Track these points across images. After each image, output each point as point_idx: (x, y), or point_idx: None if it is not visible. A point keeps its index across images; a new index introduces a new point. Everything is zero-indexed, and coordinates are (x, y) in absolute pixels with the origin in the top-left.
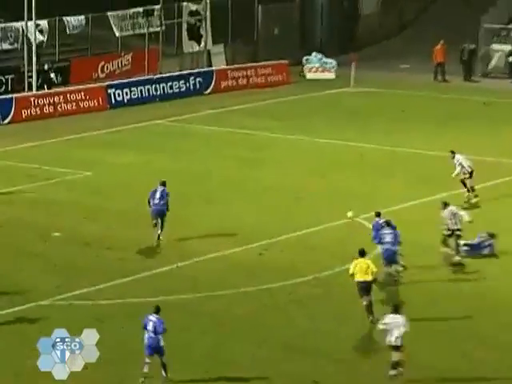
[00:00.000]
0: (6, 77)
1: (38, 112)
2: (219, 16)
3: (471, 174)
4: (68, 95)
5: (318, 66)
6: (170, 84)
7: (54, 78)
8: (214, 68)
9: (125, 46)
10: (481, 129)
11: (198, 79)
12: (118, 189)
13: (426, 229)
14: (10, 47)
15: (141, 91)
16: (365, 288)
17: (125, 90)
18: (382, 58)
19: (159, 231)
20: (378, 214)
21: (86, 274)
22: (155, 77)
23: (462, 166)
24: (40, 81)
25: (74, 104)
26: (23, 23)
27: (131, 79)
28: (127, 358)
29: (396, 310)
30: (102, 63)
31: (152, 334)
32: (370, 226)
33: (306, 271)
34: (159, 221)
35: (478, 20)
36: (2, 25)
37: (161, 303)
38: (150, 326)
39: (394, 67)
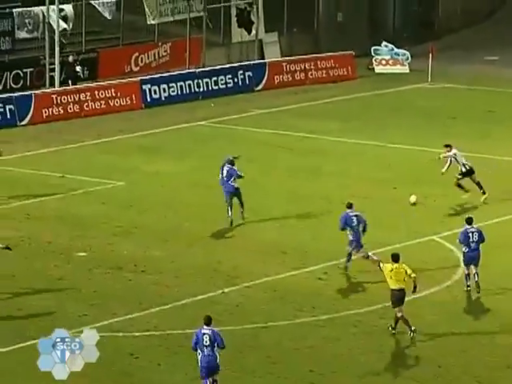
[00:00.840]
0: (24, 70)
1: (61, 112)
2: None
3: (468, 172)
4: (96, 92)
5: (388, 58)
6: (214, 79)
7: (80, 72)
8: (266, 60)
9: (162, 34)
10: None
11: (247, 73)
12: (154, 201)
13: None
14: (28, 36)
15: (181, 87)
16: (401, 298)
17: (162, 86)
18: (464, 48)
19: (241, 209)
20: (350, 206)
21: (117, 301)
22: (198, 70)
23: (458, 162)
24: (64, 75)
25: (103, 102)
26: (44, 8)
27: (169, 73)
28: None
29: None
30: (136, 54)
31: (209, 351)
32: (451, 247)
33: (373, 299)
34: (234, 200)
35: None
36: (19, 9)
37: None
38: (207, 341)
39: (479, 59)
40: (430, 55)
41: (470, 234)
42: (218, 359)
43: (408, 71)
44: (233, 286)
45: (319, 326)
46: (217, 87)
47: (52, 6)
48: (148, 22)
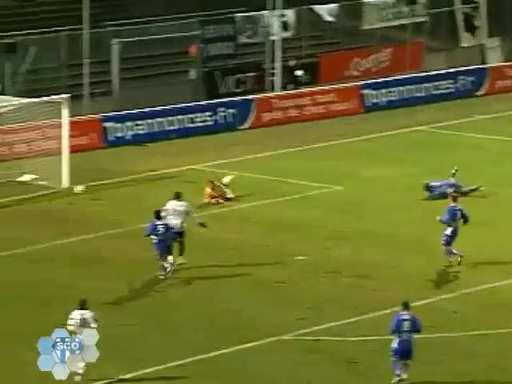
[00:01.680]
0: (246, 75)
1: (281, 116)
2: (494, 3)
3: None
4: (316, 96)
5: None
6: (435, 84)
7: (302, 77)
8: (487, 65)
9: (382, 38)
10: None
11: (468, 78)
12: (371, 206)
13: None
14: (249, 41)
15: (401, 92)
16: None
17: (382, 91)
18: None
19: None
20: None
21: (333, 305)
22: (420, 74)
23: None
24: (284, 80)
25: (323, 107)
26: (266, 13)
27: (390, 78)
28: None
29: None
30: (356, 59)
31: (406, 337)
32: None
33: None
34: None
35: None
36: (242, 14)
37: (422, 341)
38: (406, 326)
39: None
40: None
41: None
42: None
43: None
44: (451, 293)
45: None
46: (437, 92)
47: (274, 11)
48: (365, 27)
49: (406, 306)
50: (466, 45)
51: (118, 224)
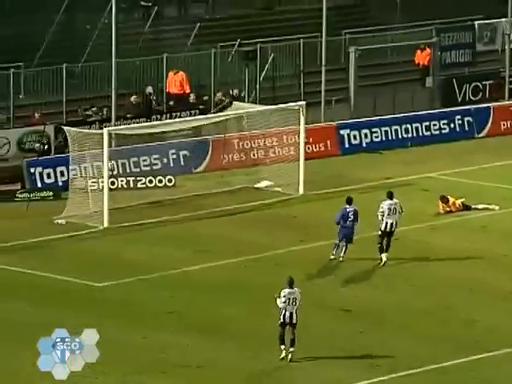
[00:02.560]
0: (484, 83)
1: None
2: None
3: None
4: None
5: None
6: None
7: None
8: None
9: None
10: None
11: None
12: None
13: None
14: (486, 48)
15: None
16: None
17: None
18: None
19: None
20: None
21: None
22: None
23: None
24: None
25: None
26: (505, 20)
27: None
28: None
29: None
30: None
31: None
32: None
33: None
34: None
35: None
36: (481, 22)
37: None
38: None
39: None
40: None
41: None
42: None
43: None
44: None
45: None
46: None
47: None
48: None
49: None
50: None
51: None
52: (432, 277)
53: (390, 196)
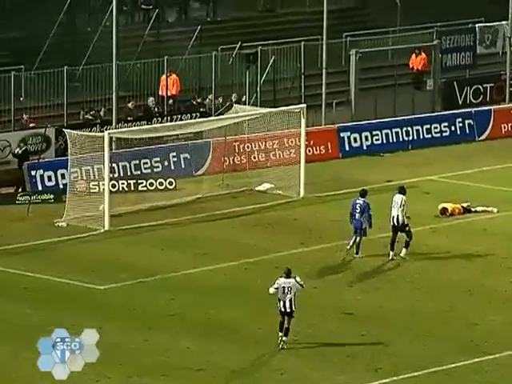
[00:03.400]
0: (484, 85)
1: None
2: None
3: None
4: None
5: None
6: None
7: None
8: None
9: None
10: None
11: None
12: None
13: None
14: (487, 51)
15: None
16: None
17: None
18: None
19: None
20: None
21: None
22: None
23: None
24: None
25: None
26: (505, 23)
27: None
28: None
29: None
30: None
31: None
32: None
33: None
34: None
35: None
36: (481, 25)
37: None
38: None
39: None
40: None
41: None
42: None
43: None
44: None
45: None
46: None
47: None
48: None
49: None
50: None
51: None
52: (433, 279)
53: (400, 191)
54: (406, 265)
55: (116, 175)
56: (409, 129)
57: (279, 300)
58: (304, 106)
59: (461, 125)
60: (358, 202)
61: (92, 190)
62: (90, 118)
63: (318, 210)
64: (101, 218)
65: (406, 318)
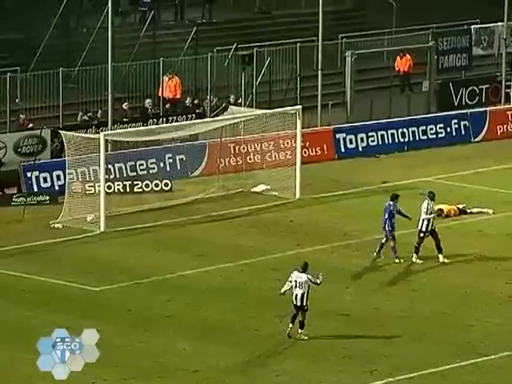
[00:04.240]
0: (480, 87)
1: None
2: None
3: None
4: None
5: None
6: None
7: None
8: None
9: None
10: None
11: None
12: None
13: None
14: (483, 53)
15: None
16: None
17: None
18: None
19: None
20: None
21: None
22: None
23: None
24: None
25: None
26: (500, 24)
27: None
28: None
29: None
30: None
31: None
32: None
33: None
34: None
35: None
36: (477, 26)
37: None
38: None
39: None
40: None
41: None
42: None
43: None
44: None
45: None
46: None
47: (510, 23)
48: None
49: None
50: None
51: (351, 235)
52: (429, 281)
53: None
54: (402, 266)
55: (112, 177)
56: (404, 130)
57: (292, 293)
58: (300, 107)
59: (456, 126)
60: (385, 205)
61: (88, 192)
62: (88, 119)
63: (313, 211)
64: (96, 220)
65: (401, 319)
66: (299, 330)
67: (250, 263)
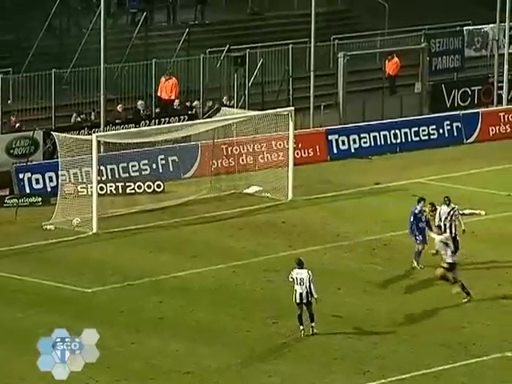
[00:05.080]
0: (472, 88)
1: (509, 130)
2: None
3: None
4: None
5: None
6: None
7: None
8: None
9: None
10: None
11: None
12: None
13: None
14: (476, 54)
15: None
16: None
17: None
18: None
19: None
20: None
21: None
22: None
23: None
24: None
25: None
26: (493, 26)
27: None
28: None
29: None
30: None
31: None
32: None
33: None
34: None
35: None
36: (470, 27)
37: None
38: None
39: None
40: None
41: None
42: None
43: None
44: None
45: None
46: None
47: (502, 24)
48: None
49: None
50: None
51: (343, 237)
52: (421, 282)
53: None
54: (394, 268)
55: (104, 178)
56: (397, 131)
57: (295, 291)
58: (292, 108)
59: (449, 127)
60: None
61: (80, 193)
62: (81, 120)
63: (306, 212)
64: (89, 221)
65: (394, 320)
66: (312, 324)
67: (243, 264)
